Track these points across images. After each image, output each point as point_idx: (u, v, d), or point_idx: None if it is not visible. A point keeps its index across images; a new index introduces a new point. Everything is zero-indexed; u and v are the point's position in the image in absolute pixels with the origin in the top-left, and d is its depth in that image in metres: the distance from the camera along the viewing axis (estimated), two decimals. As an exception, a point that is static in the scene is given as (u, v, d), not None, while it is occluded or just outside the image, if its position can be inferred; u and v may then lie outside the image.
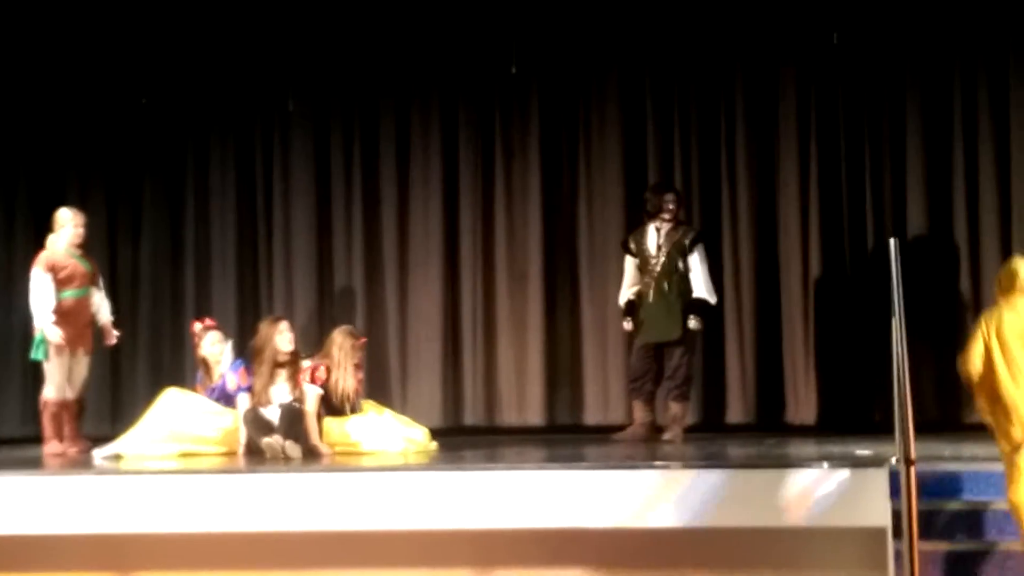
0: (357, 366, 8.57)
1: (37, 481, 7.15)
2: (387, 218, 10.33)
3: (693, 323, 8.90)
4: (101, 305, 9.07)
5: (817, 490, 6.47)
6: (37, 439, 9.05)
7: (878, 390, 9.14)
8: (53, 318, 8.72)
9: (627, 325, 9.18)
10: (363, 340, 8.76)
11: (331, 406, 8.41)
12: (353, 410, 8.51)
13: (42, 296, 8.75)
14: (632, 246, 9.17)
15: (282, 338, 8.46)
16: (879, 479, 6.41)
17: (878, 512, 6.35)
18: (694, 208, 9.88)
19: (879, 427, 8.64)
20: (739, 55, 9.89)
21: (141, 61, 10.40)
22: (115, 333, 9.12)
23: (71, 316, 8.84)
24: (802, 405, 9.64)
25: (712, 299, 9.06)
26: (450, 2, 10.16)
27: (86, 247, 9.10)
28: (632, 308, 9.11)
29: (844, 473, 6.47)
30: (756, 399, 9.74)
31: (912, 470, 5.86)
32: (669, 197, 9.10)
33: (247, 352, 8.65)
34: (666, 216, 9.04)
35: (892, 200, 9.65)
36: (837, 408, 9.56)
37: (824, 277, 9.69)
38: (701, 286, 8.98)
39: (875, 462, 6.59)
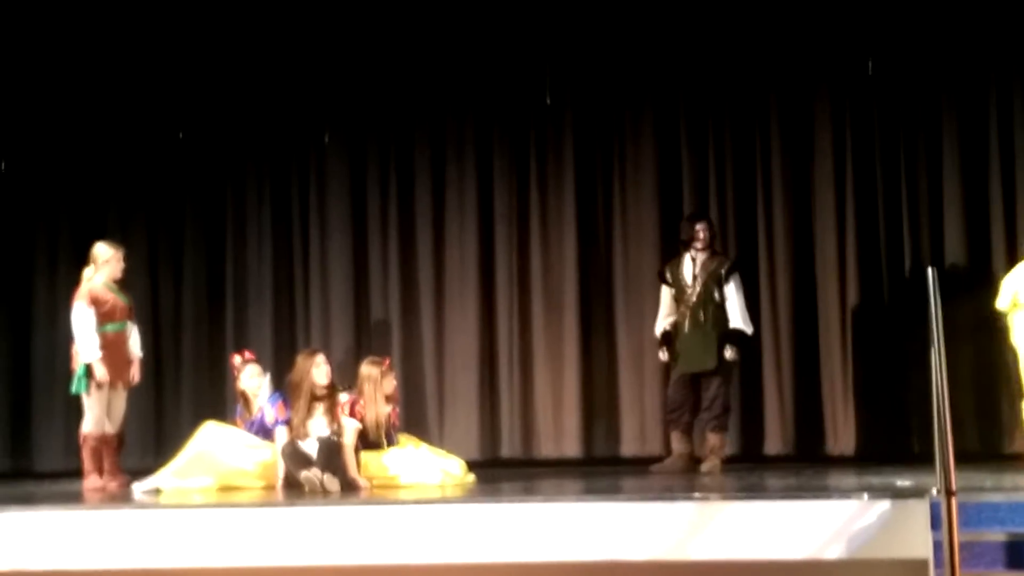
0: (389, 397, 8.58)
1: (77, 515, 7.17)
2: (423, 250, 10.37)
3: (729, 353, 8.87)
4: (134, 340, 9.12)
5: (857, 521, 6.42)
6: (78, 473, 9.10)
7: (918, 420, 9.07)
8: (99, 353, 8.78)
9: (663, 356, 9.17)
10: (387, 361, 8.77)
11: (368, 439, 8.43)
12: (390, 443, 8.53)
13: (86, 330, 8.81)
14: (668, 276, 9.17)
15: (318, 371, 8.48)
16: (920, 510, 6.35)
17: (919, 543, 6.29)
18: (730, 237, 9.87)
19: (919, 457, 8.55)
20: (773, 83, 9.89)
21: (178, 96, 10.50)
22: (138, 374, 9.16)
23: (111, 350, 8.89)
24: (841, 435, 9.59)
25: (748, 329, 9.03)
26: (484, 34, 10.21)
27: (123, 281, 9.17)
28: (668, 338, 9.10)
29: (884, 504, 6.42)
30: (795, 429, 9.70)
31: (953, 501, 5.82)
32: (701, 226, 9.09)
33: (285, 385, 8.68)
34: (699, 245, 9.04)
35: (930, 228, 9.61)
36: (877, 438, 9.50)
37: (862, 306, 9.65)
38: (737, 316, 8.96)
39: (916, 493, 6.53)
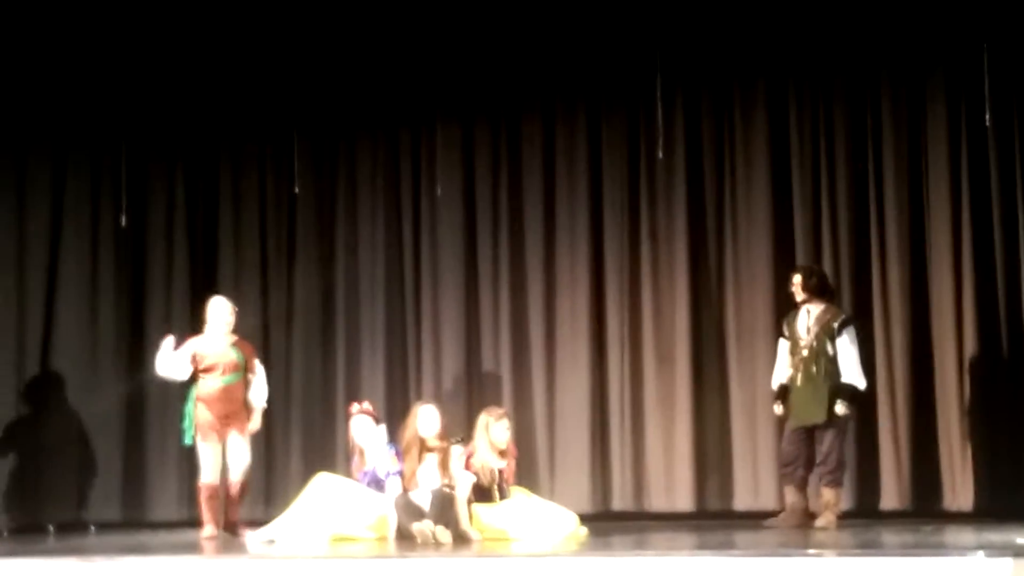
0: (503, 452, 8.60)
1: (192, 563, 7.27)
2: (533, 301, 10.39)
3: (840, 408, 8.75)
4: (254, 391, 9.24)
5: (976, 580, 6.30)
6: (194, 523, 9.22)
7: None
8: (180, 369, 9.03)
9: (777, 409, 9.09)
10: (502, 411, 8.80)
11: (481, 492, 8.44)
12: (502, 495, 8.54)
13: (168, 364, 9.09)
14: (785, 329, 9.11)
15: (428, 423, 8.52)
16: (1041, 569, 6.23)
17: (1041, 604, 6.16)
18: (844, 289, 9.76)
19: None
20: (889, 131, 9.80)
21: (290, 148, 10.69)
22: (257, 423, 9.28)
23: (216, 402, 9.02)
24: (959, 491, 9.39)
25: (861, 384, 8.90)
26: (598, 84, 10.29)
27: (241, 333, 9.31)
28: (784, 392, 9.03)
29: (1006, 562, 6.29)
30: (911, 484, 9.52)
31: (1076, 560, 5.70)
32: (794, 279, 9.05)
33: (397, 437, 8.73)
34: (796, 297, 8.97)
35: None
36: (996, 494, 9.28)
37: (980, 358, 9.46)
38: (850, 370, 8.84)
39: (1037, 551, 6.41)
